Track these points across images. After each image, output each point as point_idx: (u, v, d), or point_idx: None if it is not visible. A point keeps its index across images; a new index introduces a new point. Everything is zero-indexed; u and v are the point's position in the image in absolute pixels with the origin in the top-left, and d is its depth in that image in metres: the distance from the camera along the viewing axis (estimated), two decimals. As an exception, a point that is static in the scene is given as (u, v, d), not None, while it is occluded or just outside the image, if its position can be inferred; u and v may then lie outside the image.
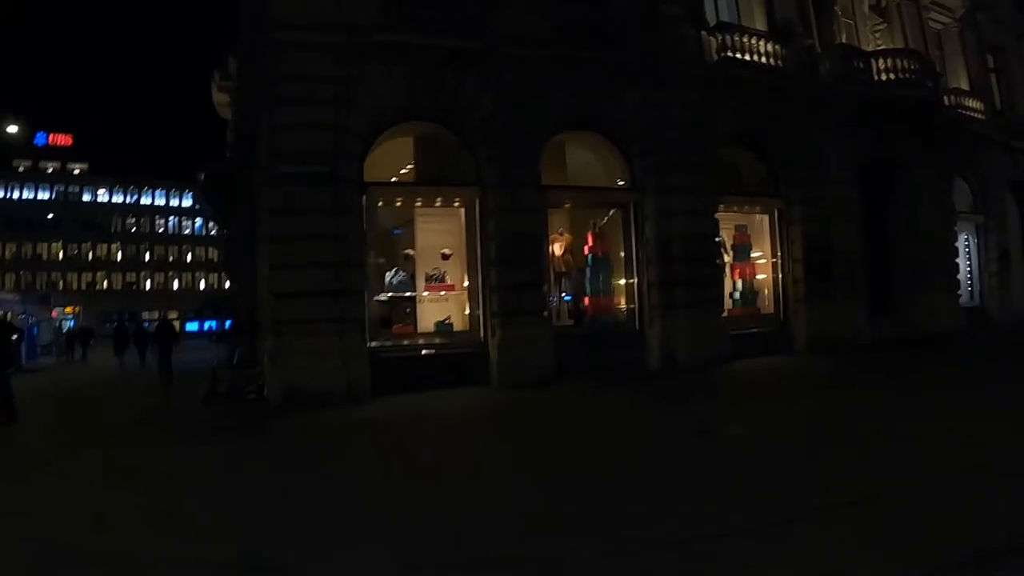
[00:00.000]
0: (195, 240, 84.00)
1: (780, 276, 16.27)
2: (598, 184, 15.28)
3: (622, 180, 14.93)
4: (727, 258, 16.16)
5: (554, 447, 8.12)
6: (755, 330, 15.70)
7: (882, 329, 17.22)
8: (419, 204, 13.97)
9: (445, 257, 14.18)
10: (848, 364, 14.01)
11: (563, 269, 14.89)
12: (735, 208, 16.24)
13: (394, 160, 14.21)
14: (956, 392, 9.85)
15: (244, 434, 10.00)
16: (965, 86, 21.73)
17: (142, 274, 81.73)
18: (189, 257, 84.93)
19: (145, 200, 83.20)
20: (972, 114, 21.42)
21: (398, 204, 14.00)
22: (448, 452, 8.29)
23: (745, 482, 6.03)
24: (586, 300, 14.82)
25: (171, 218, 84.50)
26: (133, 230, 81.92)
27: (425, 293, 13.90)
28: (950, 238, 20.24)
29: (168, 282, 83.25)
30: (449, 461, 7.74)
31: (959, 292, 20.59)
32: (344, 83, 12.20)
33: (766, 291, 16.58)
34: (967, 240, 21.97)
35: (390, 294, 13.69)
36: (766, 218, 16.54)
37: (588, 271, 14.84)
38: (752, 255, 16.62)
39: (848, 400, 9.87)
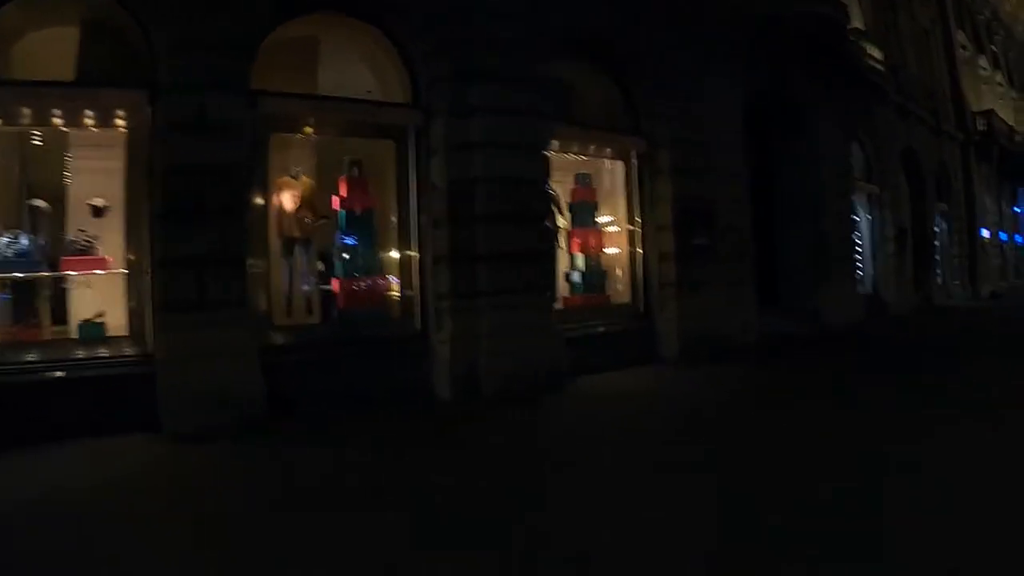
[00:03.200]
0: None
1: (641, 250, 11.64)
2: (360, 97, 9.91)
3: (401, 95, 9.83)
4: (562, 221, 11.36)
5: None
6: (603, 329, 10.95)
7: (773, 324, 13.28)
8: (59, 120, 8.17)
9: (97, 212, 8.79)
10: (739, 382, 9.75)
11: (296, 233, 9.58)
12: (575, 148, 11.29)
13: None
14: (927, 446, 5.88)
15: None
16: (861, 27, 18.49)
17: None
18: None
19: None
20: (872, 63, 18.21)
21: (26, 120, 8.11)
22: None
23: None
24: (335, 284, 9.60)
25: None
26: None
27: (71, 272, 8.41)
28: (849, 212, 16.82)
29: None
30: None
31: (859, 278, 17.24)
32: None
33: (620, 272, 11.89)
34: (860, 216, 18.72)
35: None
36: (620, 166, 11.79)
37: (340, 237, 9.66)
38: (600, 219, 11.94)
39: (762, 481, 5.16)
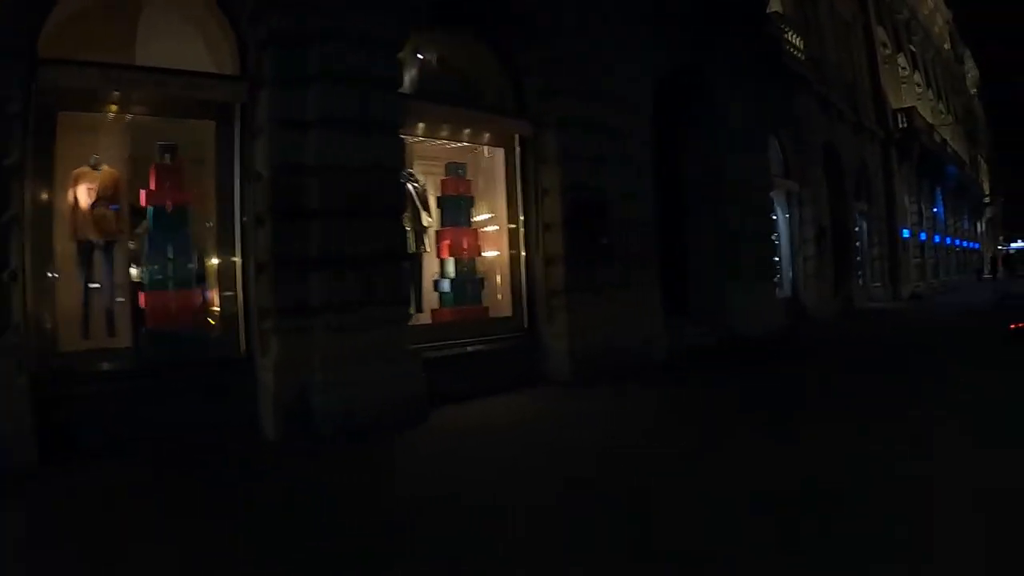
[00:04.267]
0: None
1: (525, 253, 10.15)
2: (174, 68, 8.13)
3: (229, 65, 8.14)
4: (427, 219, 9.70)
5: None
6: (480, 348, 9.33)
7: (683, 335, 12.02)
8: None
9: None
10: (641, 410, 8.11)
11: (94, 235, 7.83)
12: (445, 131, 9.64)
13: None
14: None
15: None
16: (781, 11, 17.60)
17: None
18: None
19: None
20: (793, 51, 17.34)
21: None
22: None
23: None
24: (142, 297, 7.86)
25: None
26: None
27: None
28: (768, 209, 15.78)
29: None
30: None
31: (777, 280, 16.25)
32: None
33: (499, 279, 10.32)
34: (778, 214, 17.79)
35: None
36: (500, 153, 10.22)
37: (149, 239, 7.90)
38: (475, 217, 10.35)
39: None
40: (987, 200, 56.10)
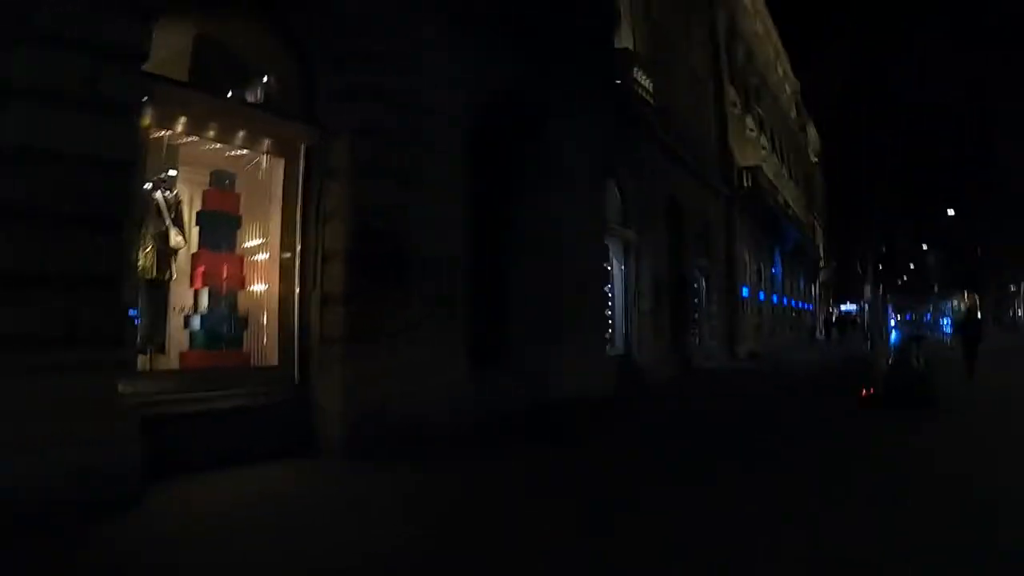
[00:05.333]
0: None
1: (299, 289, 8.47)
2: None
3: None
4: (177, 238, 7.98)
5: None
6: (236, 403, 7.56)
7: (496, 396, 10.68)
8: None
9: None
10: (425, 503, 6.39)
11: None
12: (211, 129, 7.95)
13: None
14: None
15: None
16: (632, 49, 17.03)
17: None
18: None
19: None
20: (641, 91, 16.76)
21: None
22: None
23: None
24: None
25: None
26: None
27: None
28: (602, 257, 14.87)
29: None
30: None
31: (609, 336, 15.31)
32: None
33: (266, 319, 8.62)
34: (613, 264, 16.97)
35: None
36: (281, 165, 8.66)
37: None
38: (243, 241, 8.69)
39: None
40: (822, 264, 59.28)
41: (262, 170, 8.72)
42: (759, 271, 33.15)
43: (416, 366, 8.86)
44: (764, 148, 35.92)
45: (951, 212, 61.85)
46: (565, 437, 9.59)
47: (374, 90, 8.72)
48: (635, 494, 6.60)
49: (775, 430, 10.55)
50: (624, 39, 17.46)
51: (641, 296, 17.23)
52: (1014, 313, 70.05)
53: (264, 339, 8.58)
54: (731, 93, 29.14)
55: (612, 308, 16.15)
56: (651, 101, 17.51)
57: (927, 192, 61.15)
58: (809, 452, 8.70)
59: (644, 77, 17.16)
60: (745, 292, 29.07)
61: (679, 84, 21.65)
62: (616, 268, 16.87)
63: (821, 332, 43.41)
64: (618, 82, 15.49)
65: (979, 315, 19.03)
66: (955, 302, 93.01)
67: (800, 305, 47.17)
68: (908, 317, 66.33)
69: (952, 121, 64.52)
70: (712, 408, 13.28)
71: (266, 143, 8.54)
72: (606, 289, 15.18)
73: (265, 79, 8.75)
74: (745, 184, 28.71)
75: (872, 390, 12.43)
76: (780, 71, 43.21)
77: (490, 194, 11.79)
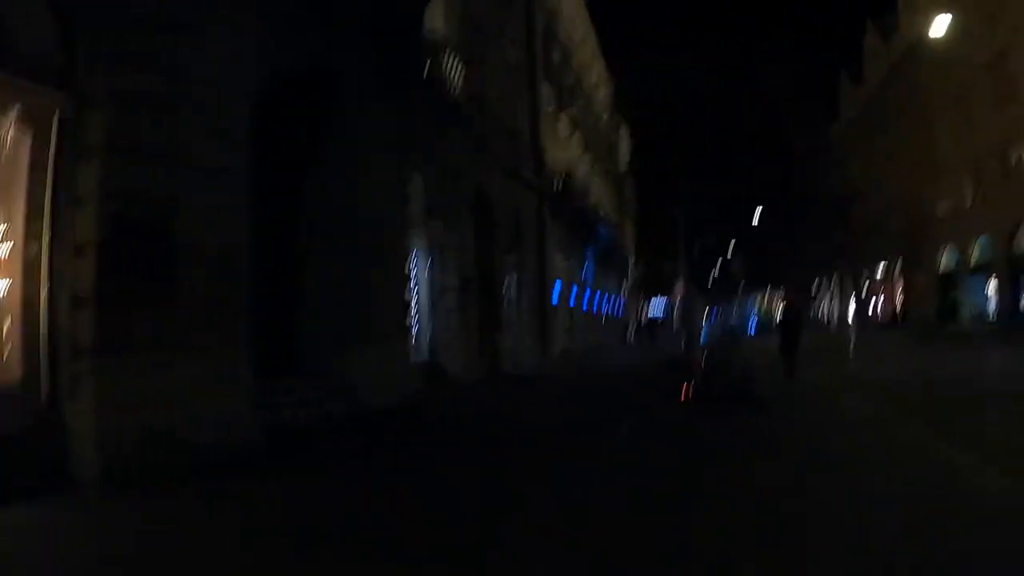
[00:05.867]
0: None
1: (46, 290, 7.38)
2: None
3: None
4: None
5: None
6: None
7: (288, 407, 9.98)
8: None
9: None
10: (183, 550, 5.41)
11: None
12: None
13: None
14: None
15: None
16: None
17: None
18: None
19: None
20: (452, 79, 16.47)
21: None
22: None
23: None
24: None
25: None
26: None
27: None
28: (404, 254, 14.38)
29: None
30: None
31: (413, 338, 14.86)
32: None
33: (7, 326, 7.38)
34: (417, 260, 16.47)
35: None
36: (29, 138, 7.37)
37: None
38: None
39: None
40: (632, 264, 61.65)
41: (5, 144, 7.51)
42: (570, 269, 33.74)
43: (187, 379, 8.04)
44: (577, 147, 36.73)
45: (757, 212, 66.31)
46: (360, 456, 8.91)
47: (143, 57, 7.84)
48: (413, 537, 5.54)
49: (592, 440, 9.89)
50: (436, 22, 17.00)
51: (447, 294, 16.90)
52: (817, 310, 76.99)
53: (5, 351, 7.40)
54: (546, 90, 29.48)
55: (417, 308, 15.69)
56: (462, 90, 17.20)
57: (735, 194, 65.37)
58: (628, 464, 8.05)
59: (456, 64, 16.84)
60: (556, 290, 29.44)
61: (492, 76, 21.55)
62: (422, 264, 16.43)
63: (632, 332, 45.06)
64: (427, 66, 15.02)
65: (799, 311, 18.86)
66: (758, 300, 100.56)
67: (612, 304, 48.76)
68: (714, 314, 70.92)
69: (756, 127, 69.79)
70: (524, 416, 12.68)
71: (11, 112, 7.36)
72: (410, 287, 14.70)
73: (15, 37, 7.54)
74: (557, 182, 29.09)
75: (693, 390, 12.39)
76: (596, 73, 44.43)
77: (282, 181, 11.11)
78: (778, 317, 17.97)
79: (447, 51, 16.34)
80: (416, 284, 15.90)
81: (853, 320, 61.32)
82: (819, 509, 5.85)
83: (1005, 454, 7.40)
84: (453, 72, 16.67)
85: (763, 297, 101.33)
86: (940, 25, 26.53)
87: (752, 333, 42.82)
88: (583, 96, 40.78)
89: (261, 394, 9.47)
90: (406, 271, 14.49)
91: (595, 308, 42.06)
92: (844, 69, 67.00)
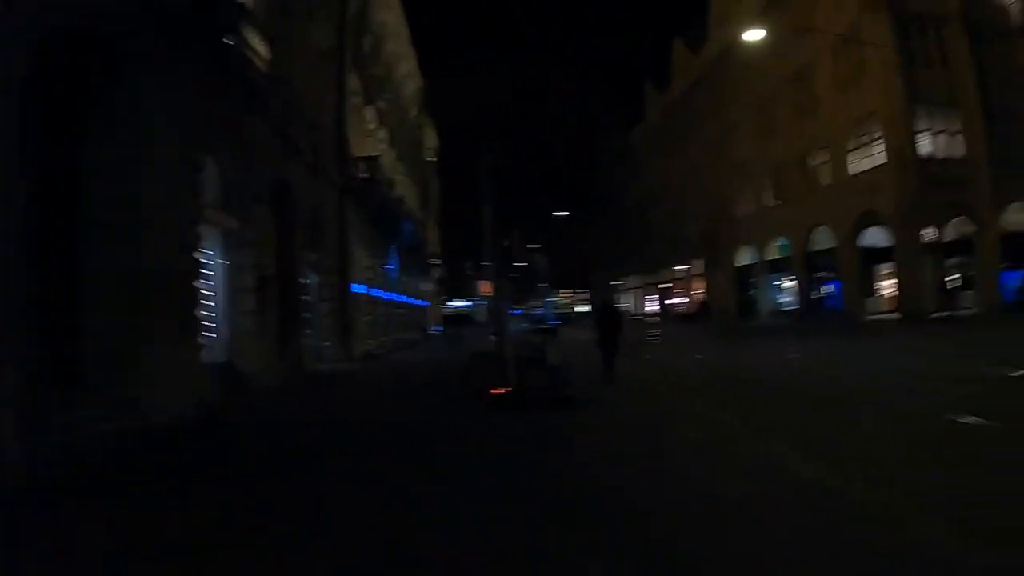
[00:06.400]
0: None
1: None
2: None
3: None
4: None
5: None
6: None
7: (57, 431, 8.58)
8: None
9: None
10: None
11: None
12: None
13: None
14: None
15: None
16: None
17: None
18: None
19: None
20: (254, 58, 15.24)
21: None
22: None
23: None
24: None
25: None
26: None
27: None
28: (195, 248, 13.10)
29: None
30: None
31: (206, 341, 13.57)
32: None
33: None
34: (210, 256, 15.12)
35: None
36: None
37: None
38: None
39: None
40: (436, 260, 61.57)
41: None
42: (373, 266, 32.94)
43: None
44: (382, 142, 35.92)
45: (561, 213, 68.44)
46: (142, 482, 7.47)
47: None
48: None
49: (400, 445, 9.38)
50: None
51: (243, 293, 15.69)
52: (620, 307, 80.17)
53: None
54: (353, 81, 28.50)
55: (211, 307, 14.36)
56: (265, 71, 15.98)
57: (541, 194, 67.03)
58: (435, 475, 7.49)
59: (259, 41, 15.58)
60: (359, 288, 28.57)
61: (299, 60, 20.38)
62: (216, 260, 15.09)
63: (437, 329, 44.71)
64: (226, 41, 13.74)
65: (617, 308, 17.36)
66: (561, 298, 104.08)
67: (414, 302, 48.34)
68: (540, 312, 72.89)
69: (564, 130, 71.93)
70: (328, 420, 11.85)
71: None
72: (201, 285, 13.40)
73: None
74: (361, 175, 28.18)
75: (504, 389, 12.08)
76: (406, 67, 43.71)
77: (54, 165, 9.64)
78: (595, 315, 16.51)
79: (251, 26, 15.05)
80: (211, 280, 14.51)
81: (655, 316, 64.65)
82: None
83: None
84: (257, 50, 15.41)
85: (565, 295, 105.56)
86: (753, 36, 28.46)
87: (554, 325, 43.67)
88: (392, 89, 40.03)
89: (29, 414, 8.10)
90: (197, 267, 13.17)
91: (399, 304, 41.44)
92: (650, 78, 70.81)
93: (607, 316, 15.80)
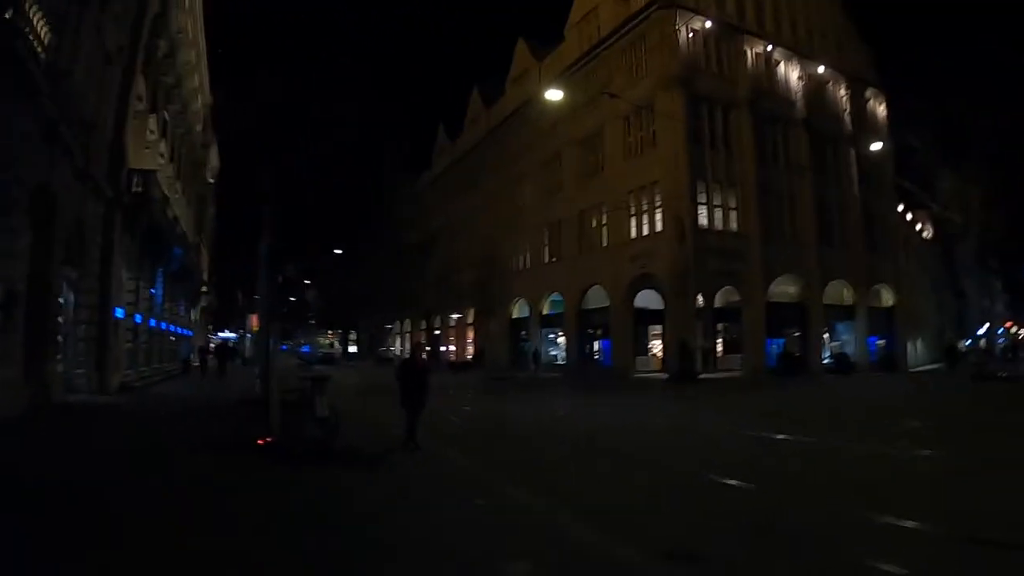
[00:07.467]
0: None
1: None
2: None
3: None
4: None
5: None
6: None
7: None
8: None
9: None
10: None
11: None
12: None
13: None
14: None
15: None
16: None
17: None
18: None
19: None
20: (30, 39, 13.58)
21: None
22: None
23: None
24: None
25: None
26: None
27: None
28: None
29: None
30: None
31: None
32: None
33: None
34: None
35: None
36: None
37: None
38: None
39: None
40: (205, 289, 58.14)
41: None
42: (138, 290, 30.20)
43: None
44: (162, 156, 33.38)
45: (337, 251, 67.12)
46: None
47: None
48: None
49: (157, 502, 8.20)
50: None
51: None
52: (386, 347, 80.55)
53: None
54: (140, 85, 26.34)
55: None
56: (41, 56, 14.21)
57: (318, 230, 65.37)
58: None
59: (42, 25, 13.88)
60: (120, 313, 25.94)
61: (82, 52, 18.38)
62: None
63: (200, 361, 41.77)
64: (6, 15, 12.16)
65: (423, 360, 13.97)
66: (327, 336, 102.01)
67: (179, 331, 45.17)
68: (306, 350, 70.41)
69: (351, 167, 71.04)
70: (75, 465, 10.33)
71: None
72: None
73: None
74: (135, 188, 25.89)
75: (271, 439, 11.26)
76: (197, 80, 41.18)
77: None
78: (398, 364, 14.09)
79: (35, 7, 13.40)
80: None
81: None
82: None
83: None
84: (38, 36, 13.72)
85: (332, 336, 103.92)
86: (554, 96, 29.64)
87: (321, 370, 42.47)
88: (180, 100, 37.64)
89: None
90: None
91: (163, 333, 38.43)
92: (443, 124, 72.00)
93: (410, 371, 12.77)
